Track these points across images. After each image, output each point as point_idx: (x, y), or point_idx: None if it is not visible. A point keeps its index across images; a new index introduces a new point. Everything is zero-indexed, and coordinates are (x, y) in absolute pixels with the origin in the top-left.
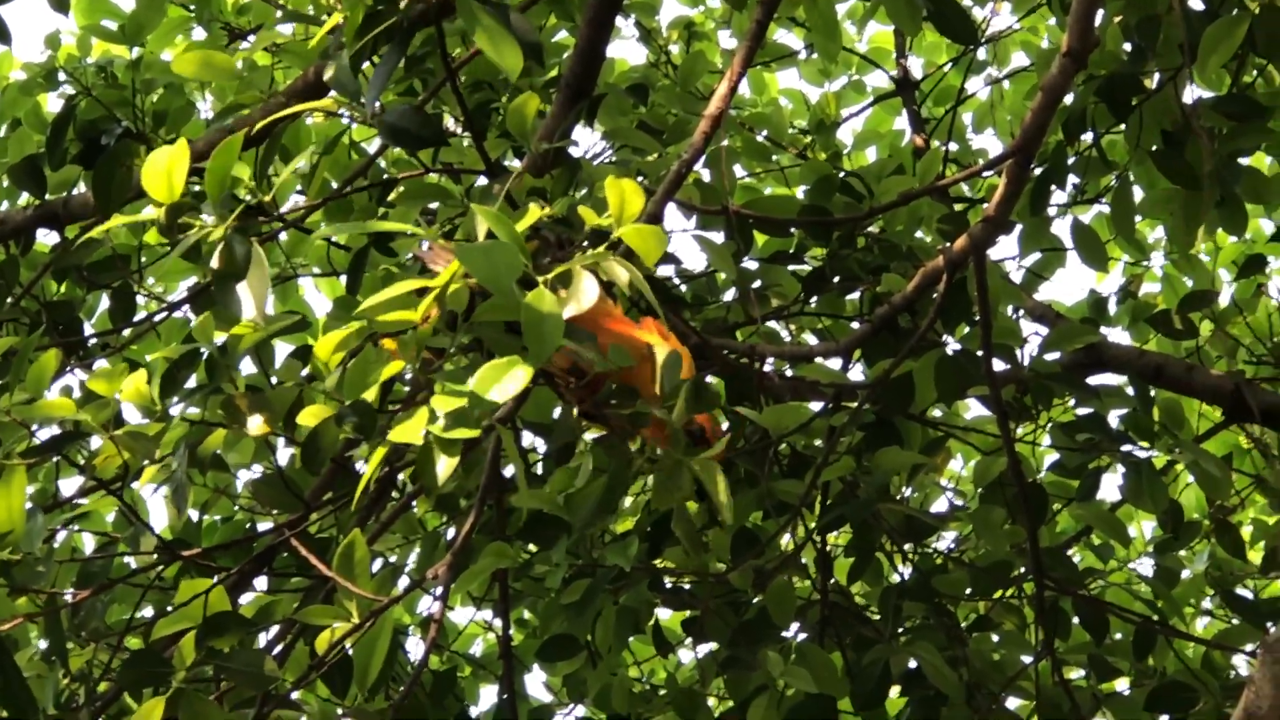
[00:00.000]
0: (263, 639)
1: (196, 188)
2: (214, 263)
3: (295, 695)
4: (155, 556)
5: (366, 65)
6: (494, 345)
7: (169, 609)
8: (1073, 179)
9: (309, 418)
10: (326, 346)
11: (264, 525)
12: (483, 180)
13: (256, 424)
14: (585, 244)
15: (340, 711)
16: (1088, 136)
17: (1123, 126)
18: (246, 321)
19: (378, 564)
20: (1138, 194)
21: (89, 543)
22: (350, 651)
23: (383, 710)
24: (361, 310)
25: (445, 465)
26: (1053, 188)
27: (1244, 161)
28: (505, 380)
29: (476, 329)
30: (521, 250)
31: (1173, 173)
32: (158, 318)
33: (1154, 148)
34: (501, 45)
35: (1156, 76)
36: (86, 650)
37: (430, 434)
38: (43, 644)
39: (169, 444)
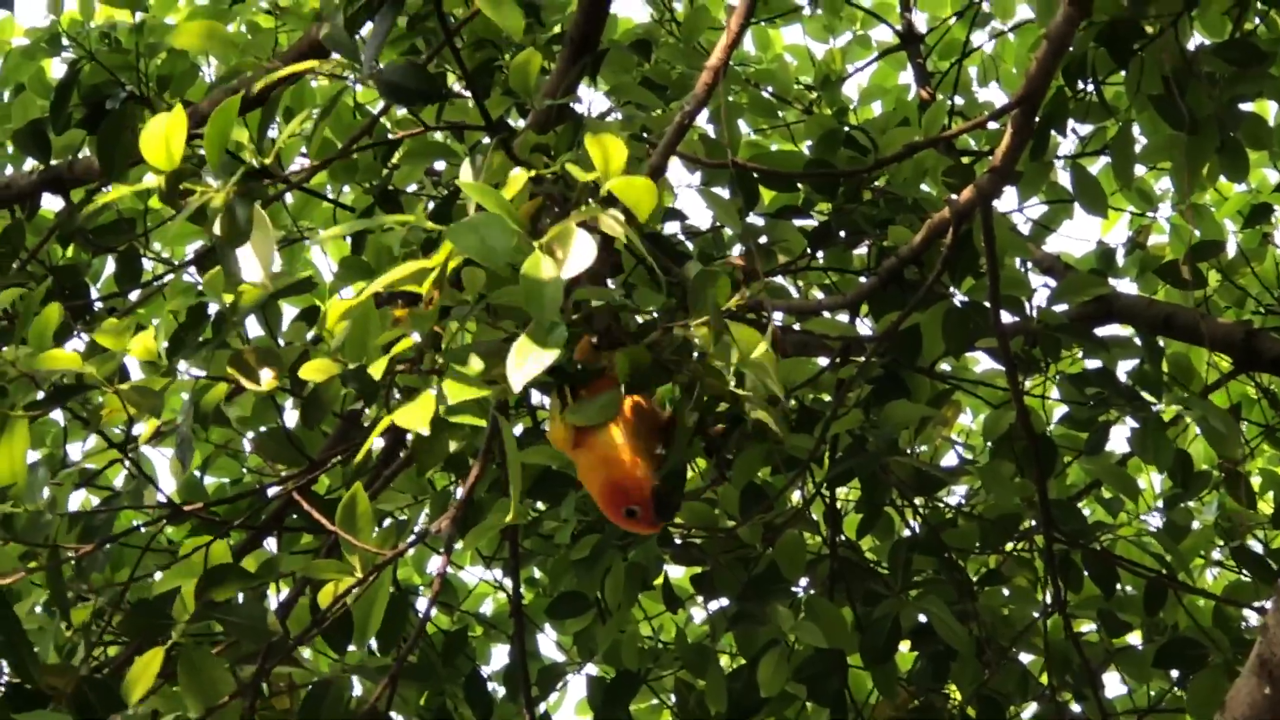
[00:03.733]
0: (274, 602)
1: (201, 150)
2: (216, 229)
3: (306, 654)
4: (158, 512)
5: (371, 26)
6: (506, 312)
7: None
8: (1076, 127)
9: (313, 372)
10: (334, 314)
11: (274, 491)
12: (487, 139)
13: (266, 378)
14: (583, 200)
15: (344, 669)
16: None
17: (1124, 73)
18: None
19: (387, 523)
20: (1141, 141)
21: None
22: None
23: (386, 666)
24: (369, 290)
25: (448, 447)
26: (1052, 133)
27: (1248, 108)
28: (529, 362)
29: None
30: (513, 219)
31: (1173, 117)
32: (165, 280)
33: (1155, 93)
34: (502, 5)
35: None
36: (89, 604)
37: (436, 418)
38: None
39: (175, 405)
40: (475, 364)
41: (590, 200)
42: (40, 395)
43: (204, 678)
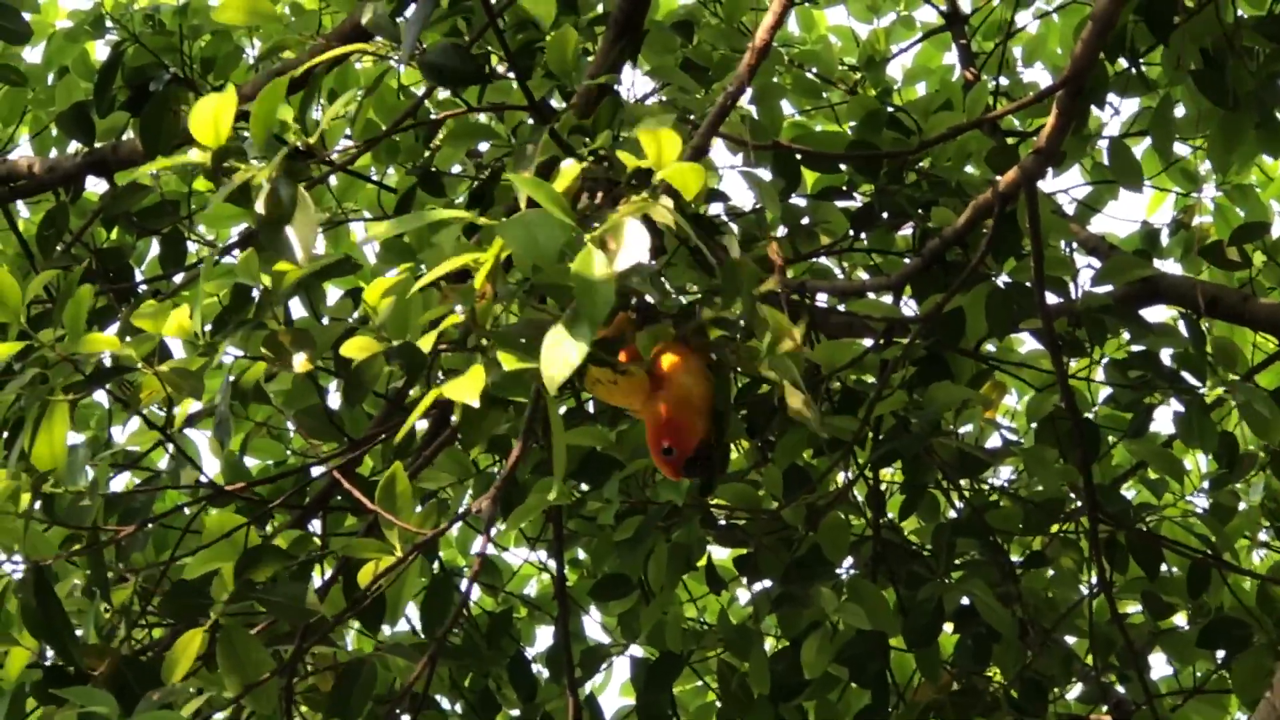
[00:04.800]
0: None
1: (245, 134)
2: (259, 207)
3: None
4: (199, 492)
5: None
6: (551, 294)
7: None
8: (1117, 104)
9: (354, 349)
10: (376, 291)
11: (317, 471)
12: (529, 121)
13: (300, 361)
14: (631, 185)
15: (380, 647)
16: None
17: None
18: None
19: (428, 503)
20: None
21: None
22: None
23: (423, 645)
24: (421, 283)
25: (496, 423)
26: (1093, 109)
27: None
28: (561, 355)
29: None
30: (565, 211)
31: (1213, 93)
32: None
33: (1195, 69)
34: None
35: None
36: (128, 585)
37: (485, 393)
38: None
39: (215, 386)
40: (521, 342)
41: (639, 188)
42: (80, 378)
43: (243, 658)
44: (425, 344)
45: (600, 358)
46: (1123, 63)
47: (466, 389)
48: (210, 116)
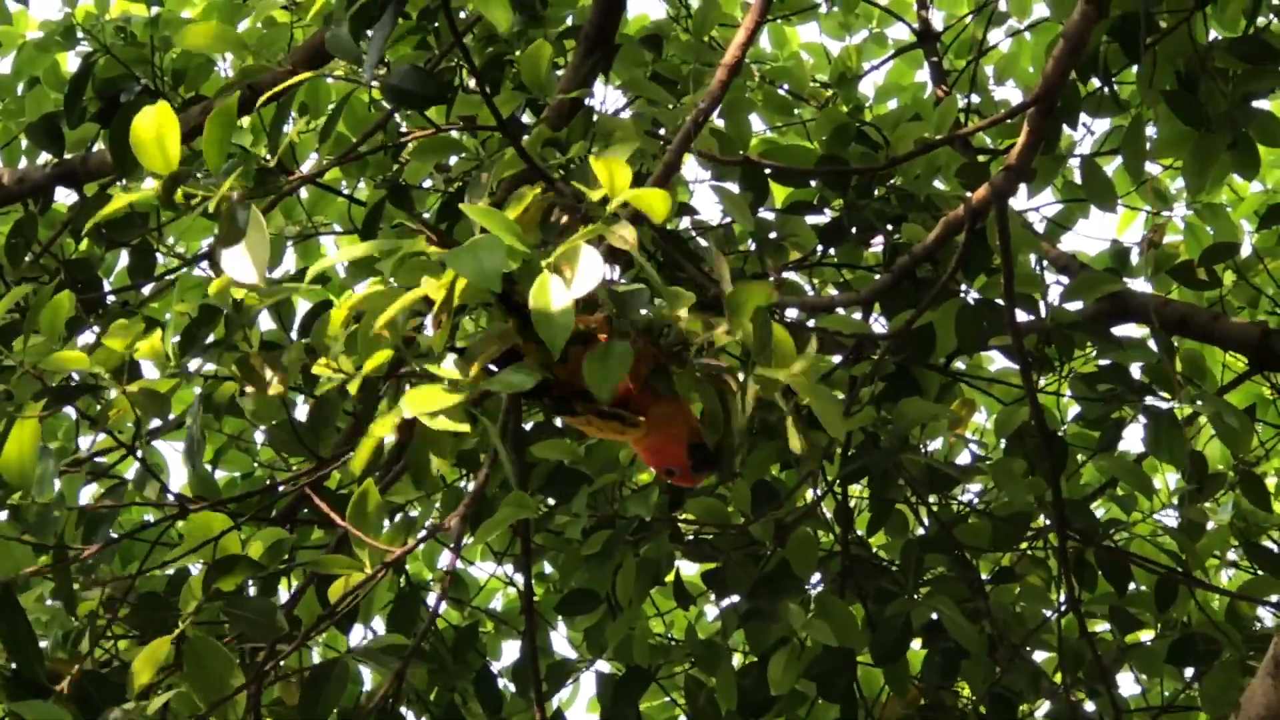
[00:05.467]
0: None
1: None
2: (217, 230)
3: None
4: (166, 506)
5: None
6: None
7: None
8: (1090, 123)
9: (322, 368)
10: (337, 319)
11: (285, 486)
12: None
13: (273, 382)
14: (593, 213)
15: (349, 651)
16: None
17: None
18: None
19: (397, 519)
20: (1152, 136)
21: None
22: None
23: (392, 649)
24: (389, 315)
25: (434, 459)
26: (1065, 129)
27: (1263, 105)
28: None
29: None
30: (518, 239)
31: (1187, 113)
32: (178, 272)
33: (1168, 89)
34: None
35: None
36: (94, 595)
37: (416, 426)
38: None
39: (183, 404)
40: (450, 368)
41: (599, 214)
42: (48, 393)
43: (209, 669)
44: (375, 364)
45: (611, 412)
46: (1095, 82)
47: (384, 425)
48: (154, 140)
